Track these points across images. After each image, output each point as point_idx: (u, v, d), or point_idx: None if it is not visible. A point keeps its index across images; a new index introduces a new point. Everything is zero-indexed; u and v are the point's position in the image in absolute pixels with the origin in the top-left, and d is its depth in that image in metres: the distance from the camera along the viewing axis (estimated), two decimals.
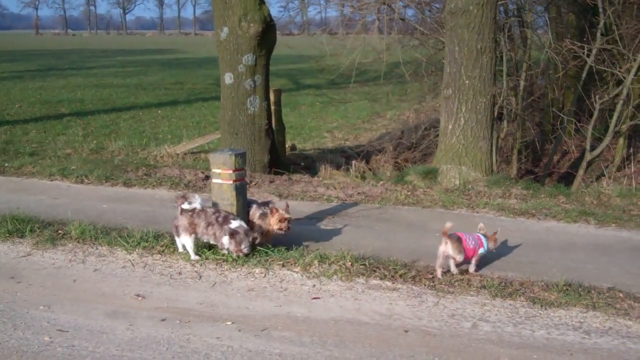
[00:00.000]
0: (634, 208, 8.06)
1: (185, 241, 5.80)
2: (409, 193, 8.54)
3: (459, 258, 5.44)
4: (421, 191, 8.67)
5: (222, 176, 6.00)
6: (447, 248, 5.42)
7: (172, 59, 49.15)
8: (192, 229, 5.75)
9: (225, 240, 5.71)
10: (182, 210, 5.78)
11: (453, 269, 5.50)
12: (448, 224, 5.40)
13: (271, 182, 9.34)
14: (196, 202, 5.80)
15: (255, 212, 6.17)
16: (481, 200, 8.16)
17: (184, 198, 5.83)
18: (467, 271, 5.56)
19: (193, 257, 5.78)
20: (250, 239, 5.74)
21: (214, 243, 5.81)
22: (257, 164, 10.31)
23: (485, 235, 5.66)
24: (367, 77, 16.74)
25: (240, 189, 6.09)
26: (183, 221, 5.75)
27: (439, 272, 5.46)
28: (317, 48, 15.64)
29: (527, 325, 4.58)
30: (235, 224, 5.71)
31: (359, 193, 8.60)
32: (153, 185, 8.87)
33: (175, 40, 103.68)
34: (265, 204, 6.28)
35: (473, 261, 5.60)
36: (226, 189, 6.00)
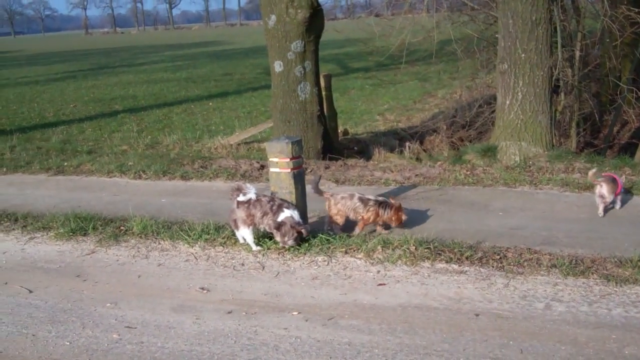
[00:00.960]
0: None
1: (244, 233, 5.78)
2: (468, 172, 8.36)
3: (610, 198, 6.36)
4: (480, 170, 8.48)
5: (279, 165, 5.96)
6: (602, 190, 6.34)
7: (219, 50, 49.49)
8: (250, 220, 5.72)
9: (274, 231, 5.66)
10: (238, 203, 5.76)
11: (601, 211, 6.37)
12: (592, 171, 6.50)
13: (326, 168, 9.27)
14: (251, 193, 5.77)
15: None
16: (544, 177, 7.93)
17: (239, 190, 5.81)
18: (535, 250, 5.39)
19: (254, 248, 5.76)
20: (295, 232, 5.59)
21: (271, 232, 5.76)
22: (311, 150, 10.26)
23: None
24: (417, 56, 16.47)
25: (298, 176, 6.04)
26: (240, 213, 5.73)
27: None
28: (364, 30, 15.44)
29: (602, 304, 4.41)
30: (284, 214, 5.62)
31: (416, 175, 8.45)
32: (210, 178, 8.90)
33: (222, 32, 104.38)
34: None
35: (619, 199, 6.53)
36: (284, 178, 5.96)
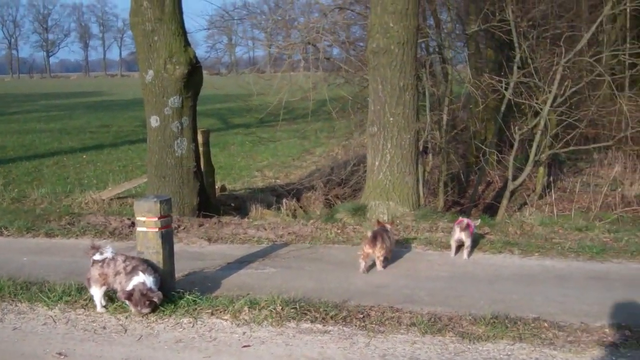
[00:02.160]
0: (555, 236, 8.30)
1: (94, 292, 5.60)
2: (339, 231, 8.58)
3: (467, 242, 7.24)
4: (351, 228, 8.73)
5: (147, 224, 5.89)
6: (458, 233, 7.19)
7: (98, 101, 48.45)
8: (103, 280, 5.56)
9: (126, 301, 5.47)
10: (94, 262, 5.64)
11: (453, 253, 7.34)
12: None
13: (200, 225, 9.23)
14: (107, 252, 5.66)
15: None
16: (409, 235, 8.28)
17: (96, 249, 5.70)
18: (397, 309, 5.60)
19: (99, 309, 5.57)
20: (147, 300, 5.40)
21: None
22: (186, 207, 10.19)
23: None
24: (296, 114, 16.85)
25: (166, 236, 5.99)
26: (93, 272, 5.59)
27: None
28: (245, 87, 15.68)
29: None
30: (136, 280, 5.42)
31: (289, 233, 8.58)
32: (77, 235, 8.64)
33: (101, 82, 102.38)
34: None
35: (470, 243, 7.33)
36: (152, 237, 5.89)
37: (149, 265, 5.66)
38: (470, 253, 7.39)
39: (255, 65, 18.87)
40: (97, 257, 5.63)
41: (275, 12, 17.24)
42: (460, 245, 7.37)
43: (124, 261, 5.60)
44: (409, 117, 9.28)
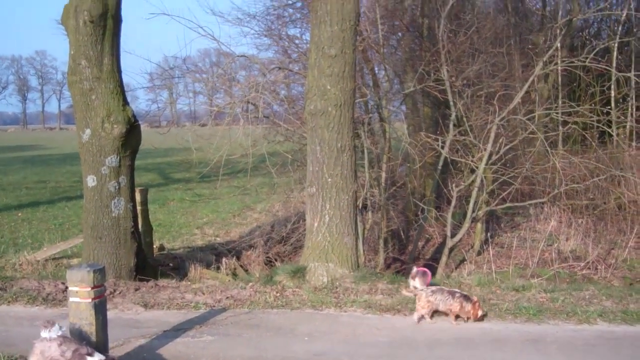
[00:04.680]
0: (492, 297, 8.39)
1: None
2: (278, 294, 8.50)
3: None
4: (290, 291, 8.65)
5: (80, 294, 5.72)
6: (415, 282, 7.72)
7: (35, 155, 47.37)
8: None
9: None
10: (37, 341, 5.35)
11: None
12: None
13: (137, 289, 9.02)
14: (54, 332, 5.36)
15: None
16: (349, 298, 8.24)
17: (48, 325, 5.35)
18: None
19: None
20: None
21: None
22: (123, 268, 9.98)
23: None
24: (238, 169, 16.79)
25: (100, 307, 5.82)
26: (36, 350, 5.31)
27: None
28: (186, 142, 15.57)
29: None
30: None
31: (227, 297, 8.45)
32: (8, 301, 8.31)
33: (40, 135, 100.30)
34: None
35: None
36: (84, 308, 5.71)
37: (93, 348, 5.38)
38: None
39: (197, 118, 18.80)
40: (44, 333, 5.34)
41: (216, 68, 17.32)
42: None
43: (60, 345, 5.23)
44: (347, 177, 9.35)
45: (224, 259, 12.79)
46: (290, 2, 16.91)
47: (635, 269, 12.86)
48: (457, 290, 7.49)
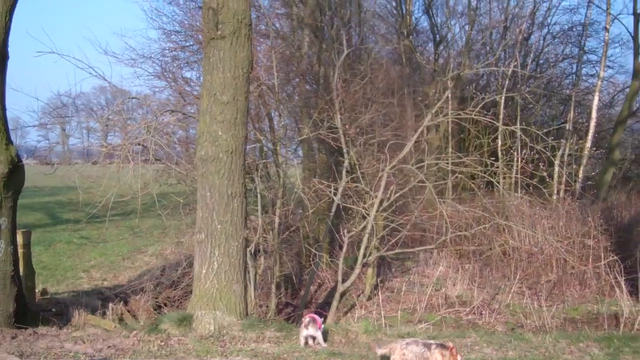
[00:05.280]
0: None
1: None
2: (163, 343, 8.27)
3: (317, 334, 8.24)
4: (175, 340, 8.44)
5: None
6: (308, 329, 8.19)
7: None
8: None
9: None
10: None
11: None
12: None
13: (14, 337, 8.59)
14: None
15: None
16: (235, 347, 8.13)
17: None
18: None
19: None
20: None
21: None
22: (2, 315, 9.45)
23: None
24: (128, 211, 16.36)
25: None
26: None
27: None
28: (73, 182, 15.04)
29: None
30: None
31: (109, 346, 8.14)
32: None
33: None
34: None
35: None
36: None
37: None
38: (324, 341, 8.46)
39: (91, 156, 18.24)
40: None
41: (110, 106, 16.97)
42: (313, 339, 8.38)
43: None
44: (237, 224, 9.29)
45: (110, 304, 12.35)
46: (186, 44, 16.91)
47: (517, 314, 13.34)
48: (431, 341, 7.32)
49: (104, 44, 39.04)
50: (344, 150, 13.80)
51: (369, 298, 14.23)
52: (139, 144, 12.47)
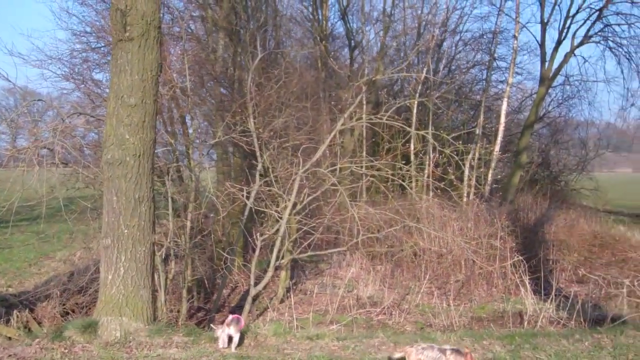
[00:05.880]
0: (287, 346, 8.56)
1: None
2: (66, 351, 8.08)
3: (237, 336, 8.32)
4: (80, 347, 8.26)
5: None
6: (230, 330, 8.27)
7: None
8: None
9: None
10: None
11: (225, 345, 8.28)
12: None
13: None
14: None
15: None
16: (141, 353, 8.03)
17: None
18: None
19: None
20: None
21: None
22: None
23: None
24: (35, 215, 15.84)
25: None
26: None
27: None
28: None
29: None
30: None
31: (9, 355, 7.89)
32: None
33: None
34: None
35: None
36: None
37: None
38: (237, 346, 8.42)
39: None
40: None
41: (20, 107, 16.40)
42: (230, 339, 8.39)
43: None
44: (144, 229, 9.17)
45: (15, 312, 11.95)
46: (97, 45, 16.56)
47: (426, 314, 13.66)
48: (446, 346, 7.39)
49: (9, 44, 37.78)
50: (258, 154, 13.81)
51: (282, 301, 14.28)
52: (46, 147, 12.11)
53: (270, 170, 13.95)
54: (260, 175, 13.86)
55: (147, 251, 9.21)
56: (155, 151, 11.15)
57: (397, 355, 7.40)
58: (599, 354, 8.19)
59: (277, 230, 13.24)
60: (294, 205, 13.31)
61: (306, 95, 17.44)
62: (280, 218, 13.18)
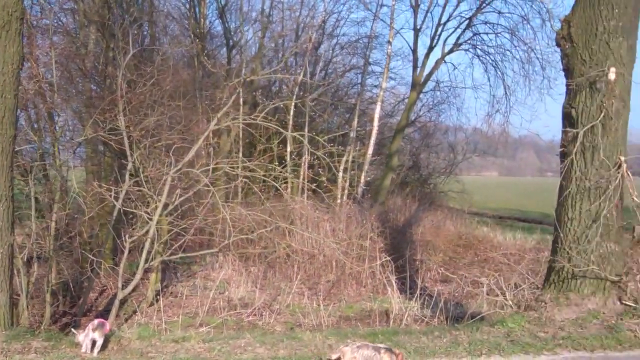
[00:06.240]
0: (151, 350, 8.44)
1: None
2: None
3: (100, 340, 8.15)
4: None
5: None
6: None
7: None
8: None
9: None
10: None
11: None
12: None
13: None
14: None
15: None
16: None
17: None
18: None
19: None
20: None
21: None
22: None
23: None
24: None
25: None
26: None
27: None
28: None
29: None
30: None
31: None
32: None
33: None
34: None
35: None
36: None
37: None
38: (100, 350, 8.22)
39: None
40: None
41: None
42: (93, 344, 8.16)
43: None
44: (2, 229, 8.83)
45: None
46: None
47: (296, 314, 13.82)
48: (380, 345, 7.51)
49: None
50: (128, 153, 13.48)
51: (152, 304, 14.02)
52: None
53: (141, 170, 13.65)
54: (131, 175, 13.53)
55: (5, 253, 8.84)
56: (19, 148, 10.73)
57: (334, 356, 7.47)
58: (455, 350, 8.60)
59: (147, 231, 12.98)
60: (166, 206, 13.11)
61: (181, 94, 17.17)
62: (151, 219, 12.93)
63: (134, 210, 13.23)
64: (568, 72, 10.47)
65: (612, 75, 9.95)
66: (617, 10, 9.96)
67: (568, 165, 10.29)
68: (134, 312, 13.58)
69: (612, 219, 10.20)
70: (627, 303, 10.15)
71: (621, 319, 9.84)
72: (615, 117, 10.02)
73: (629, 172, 10.27)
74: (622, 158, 10.17)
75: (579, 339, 9.08)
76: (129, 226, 14.11)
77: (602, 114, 9.95)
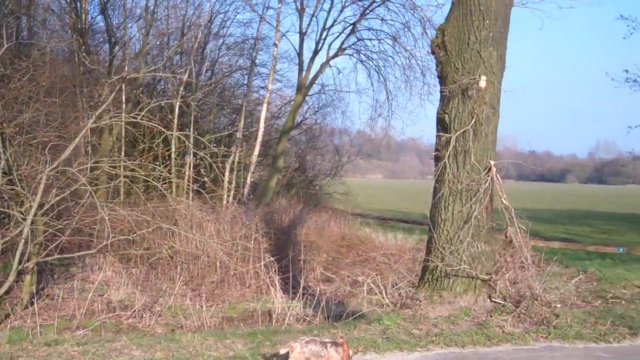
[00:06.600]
0: (23, 354, 8.17)
1: None
2: None
3: None
4: None
5: None
6: None
7: None
8: None
9: None
10: None
11: None
12: None
13: None
14: None
15: None
16: None
17: None
18: None
19: None
20: None
21: None
22: None
23: None
24: None
25: None
26: None
27: None
28: None
29: None
30: None
31: None
32: None
33: None
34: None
35: None
36: None
37: None
38: None
39: None
40: None
41: None
42: None
43: None
44: None
45: None
46: None
47: (178, 316, 13.66)
48: (326, 339, 7.73)
49: None
50: (0, 150, 12.90)
51: (26, 307, 13.45)
52: None
53: (14, 168, 13.11)
54: (4, 173, 12.98)
55: None
56: None
57: (282, 351, 7.64)
58: None
59: (21, 232, 12.48)
60: (41, 205, 12.66)
61: (58, 90, 16.61)
62: (24, 219, 12.44)
63: (7, 210, 12.70)
64: (442, 79, 10.98)
65: (482, 83, 10.53)
66: (487, 21, 10.55)
67: (441, 169, 10.79)
68: (7, 315, 13.00)
69: (482, 221, 10.78)
70: (496, 300, 10.78)
71: (491, 316, 10.44)
72: (486, 123, 10.59)
73: (498, 176, 10.90)
74: (492, 162, 10.77)
75: (451, 335, 9.56)
76: (1, 226, 13.53)
77: (473, 120, 10.50)
